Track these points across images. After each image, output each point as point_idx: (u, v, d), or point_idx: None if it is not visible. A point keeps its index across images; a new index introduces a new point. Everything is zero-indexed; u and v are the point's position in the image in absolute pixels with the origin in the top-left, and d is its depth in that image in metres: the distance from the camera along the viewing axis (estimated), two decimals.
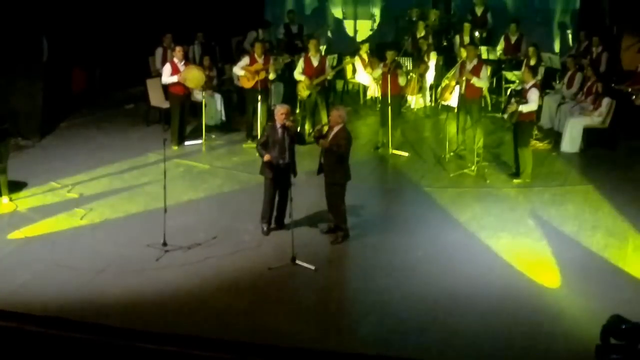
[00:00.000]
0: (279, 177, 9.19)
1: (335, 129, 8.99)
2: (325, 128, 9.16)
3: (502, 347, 7.16)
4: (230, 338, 7.29)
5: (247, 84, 12.57)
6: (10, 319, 7.47)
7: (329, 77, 12.95)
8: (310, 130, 10.47)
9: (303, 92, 12.68)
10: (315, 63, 12.57)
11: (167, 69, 12.36)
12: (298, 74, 12.65)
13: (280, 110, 9.15)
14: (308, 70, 12.55)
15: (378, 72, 12.34)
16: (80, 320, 7.51)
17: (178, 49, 12.45)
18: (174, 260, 8.72)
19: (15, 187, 10.56)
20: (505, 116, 11.01)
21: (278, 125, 9.11)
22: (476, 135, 11.60)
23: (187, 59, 13.02)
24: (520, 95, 10.84)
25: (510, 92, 12.51)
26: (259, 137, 10.82)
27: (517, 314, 7.64)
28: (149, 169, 11.48)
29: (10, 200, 10.25)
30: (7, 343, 7.08)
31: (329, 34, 16.92)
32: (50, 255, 8.83)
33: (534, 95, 10.77)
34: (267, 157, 9.07)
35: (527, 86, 10.90)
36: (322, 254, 8.98)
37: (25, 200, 10.32)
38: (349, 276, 8.56)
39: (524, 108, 10.67)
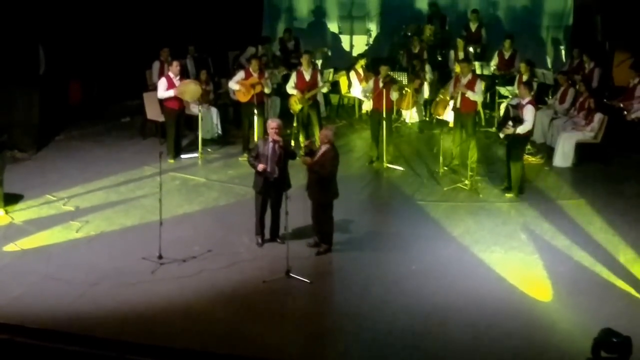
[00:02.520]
0: (270, 192, 9.26)
1: (323, 148, 9.06)
2: (318, 143, 9.25)
3: None
4: (224, 351, 7.33)
5: (243, 98, 12.67)
6: (5, 331, 7.50)
7: (324, 91, 13.04)
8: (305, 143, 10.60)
9: (295, 105, 12.80)
10: (307, 77, 12.70)
11: (162, 83, 12.42)
12: (290, 88, 12.78)
13: (271, 125, 9.23)
14: (300, 84, 12.68)
15: (370, 85, 12.47)
16: (75, 332, 7.54)
17: (175, 63, 12.51)
18: (169, 273, 8.75)
19: (11, 199, 10.57)
20: (502, 135, 11.01)
21: (270, 139, 9.19)
22: (470, 150, 11.69)
23: (183, 73, 13.10)
24: (517, 111, 10.87)
25: (507, 107, 12.61)
26: None
27: (509, 327, 7.69)
28: (145, 182, 11.53)
29: (6, 212, 10.27)
30: (2, 355, 7.10)
31: (329, 52, 17.04)
32: (45, 267, 8.84)
33: (529, 115, 10.84)
34: (261, 167, 9.14)
35: (524, 102, 10.98)
36: (317, 267, 9.02)
37: (21, 213, 10.35)
38: (342, 289, 8.59)
39: (520, 130, 10.76)
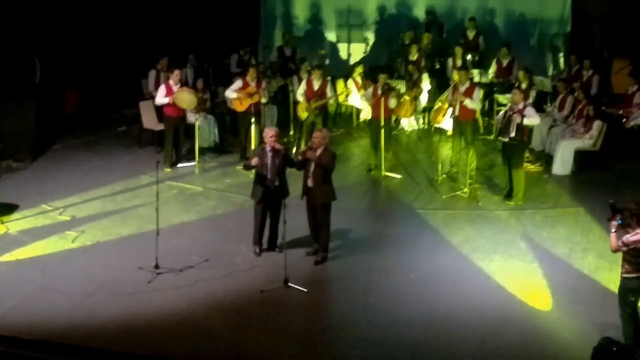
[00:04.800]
0: (270, 200, 9.21)
1: (319, 150, 9.03)
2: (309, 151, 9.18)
3: None
4: None
5: (240, 108, 12.65)
6: (0, 343, 7.44)
7: (331, 101, 13.06)
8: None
9: (301, 113, 12.83)
10: (315, 87, 12.71)
11: (161, 90, 12.44)
12: (299, 95, 12.86)
13: (269, 133, 9.19)
14: (308, 93, 12.69)
15: (369, 92, 12.45)
16: (71, 343, 7.49)
17: (176, 72, 12.53)
18: (165, 283, 8.70)
19: (7, 209, 10.53)
20: (506, 139, 10.89)
21: (268, 148, 9.14)
22: (469, 158, 11.66)
23: (181, 82, 13.08)
24: (520, 114, 10.81)
25: (505, 112, 12.55)
26: None
27: (508, 336, 7.64)
28: (141, 191, 11.47)
29: (2, 222, 10.21)
30: None
31: (327, 60, 17.04)
32: (40, 278, 8.79)
33: (532, 112, 10.86)
34: (254, 161, 9.09)
35: (519, 107, 10.93)
36: (315, 276, 8.98)
37: (17, 223, 10.29)
38: (341, 298, 8.53)
39: (528, 121, 10.74)
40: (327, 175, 9.05)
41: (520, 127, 10.72)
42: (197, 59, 15.09)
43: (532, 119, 10.83)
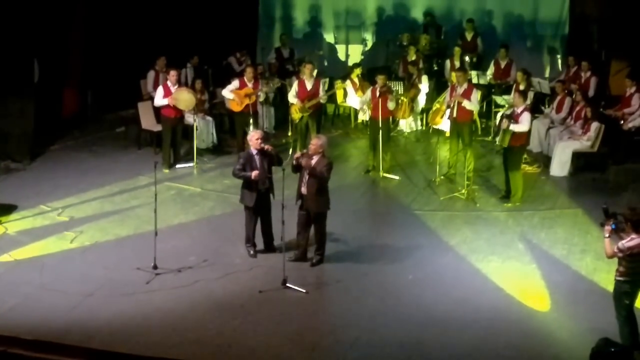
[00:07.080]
0: (260, 203, 9.22)
1: (316, 158, 8.98)
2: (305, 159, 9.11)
3: None
4: None
5: (237, 108, 12.66)
6: None
7: (322, 101, 13.04)
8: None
9: (295, 114, 12.80)
10: (308, 86, 12.68)
11: (159, 91, 12.45)
12: (291, 97, 12.78)
13: (254, 136, 9.20)
14: (301, 94, 12.65)
15: (367, 95, 12.44)
16: (70, 344, 7.49)
17: (172, 73, 12.53)
18: (164, 284, 8.70)
19: (5, 210, 10.52)
20: (497, 139, 11.04)
21: (254, 151, 9.13)
22: (467, 159, 11.67)
23: (180, 83, 13.09)
24: (511, 118, 10.91)
25: (502, 115, 12.60)
26: None
27: (506, 337, 7.64)
28: (139, 192, 11.47)
29: (0, 223, 10.20)
30: None
31: (325, 61, 17.06)
32: (39, 278, 8.78)
33: (525, 120, 10.86)
34: (254, 174, 9.06)
35: (519, 110, 10.98)
36: (313, 276, 8.98)
37: (15, 223, 10.28)
38: (339, 299, 8.54)
39: (515, 127, 10.74)
40: (321, 184, 8.95)
41: (509, 133, 10.75)
42: (200, 60, 15.07)
43: (519, 126, 10.81)
